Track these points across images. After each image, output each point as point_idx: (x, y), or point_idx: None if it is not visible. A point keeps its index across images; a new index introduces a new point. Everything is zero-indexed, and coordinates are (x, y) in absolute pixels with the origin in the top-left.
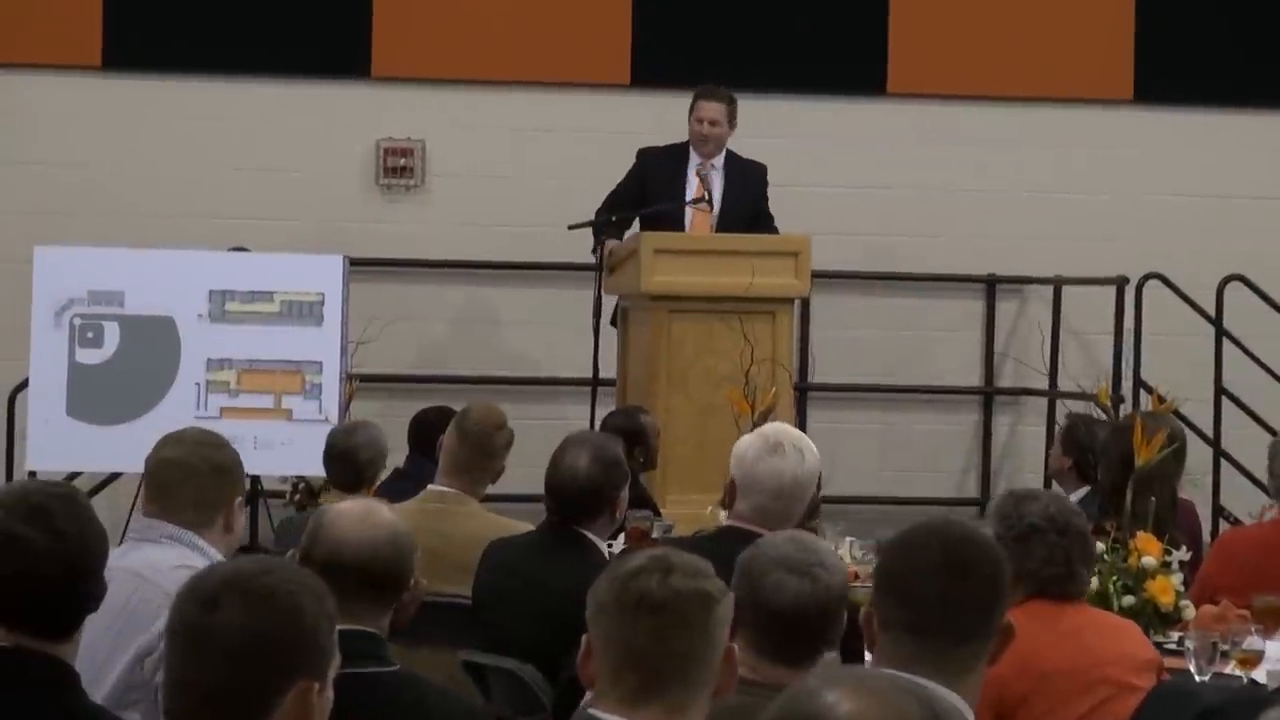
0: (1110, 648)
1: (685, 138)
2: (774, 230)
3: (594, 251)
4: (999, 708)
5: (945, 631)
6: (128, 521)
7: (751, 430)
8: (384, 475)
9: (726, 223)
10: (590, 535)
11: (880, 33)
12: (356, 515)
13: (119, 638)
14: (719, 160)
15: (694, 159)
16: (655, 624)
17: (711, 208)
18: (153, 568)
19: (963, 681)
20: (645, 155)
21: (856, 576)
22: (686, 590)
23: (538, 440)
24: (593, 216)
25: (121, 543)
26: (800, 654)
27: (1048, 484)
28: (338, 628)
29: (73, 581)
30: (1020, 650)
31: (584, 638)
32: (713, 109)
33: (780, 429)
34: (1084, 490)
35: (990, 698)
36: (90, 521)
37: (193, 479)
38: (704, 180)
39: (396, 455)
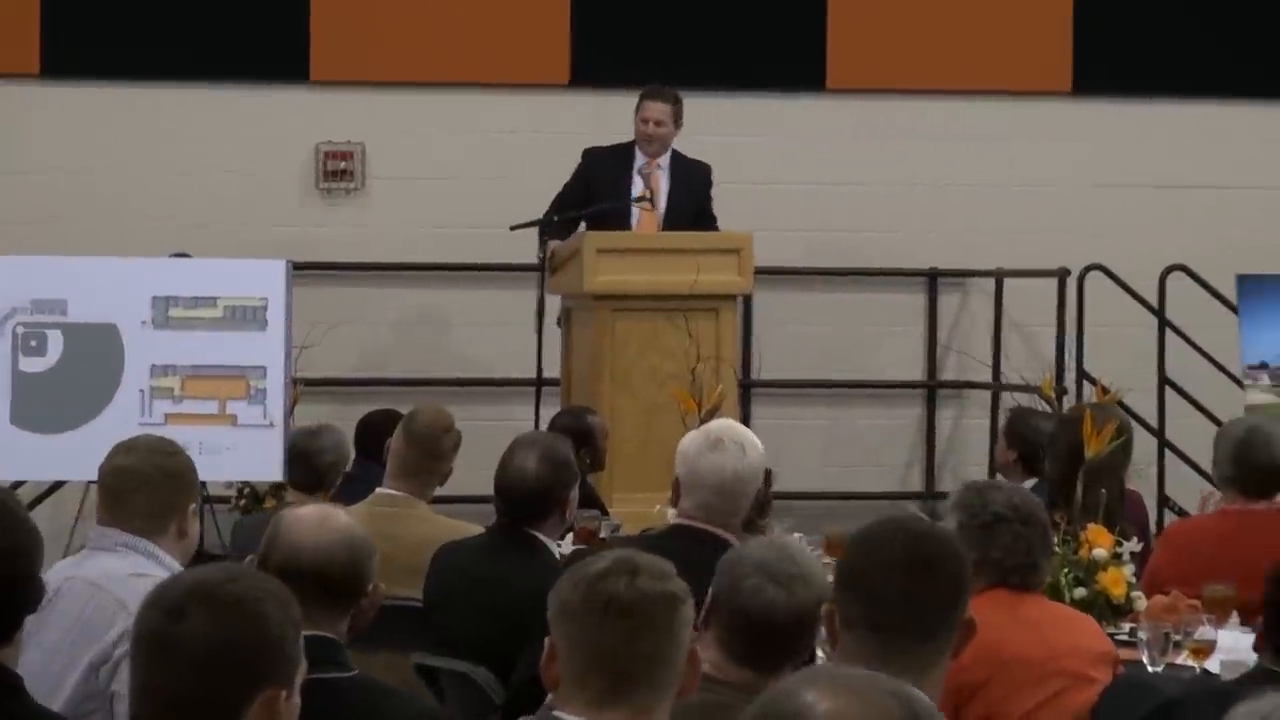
0: (1067, 640)
1: (630, 137)
2: (715, 229)
3: (540, 254)
4: (957, 695)
5: (908, 629)
6: (73, 529)
7: (698, 428)
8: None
9: (672, 222)
10: (540, 536)
11: (819, 29)
12: (314, 520)
13: (74, 648)
14: (664, 160)
15: (639, 158)
16: (624, 626)
17: (654, 206)
18: (107, 576)
19: (926, 677)
20: (590, 155)
21: None
22: (654, 592)
23: (484, 441)
24: (537, 217)
25: (68, 551)
26: (768, 661)
27: (993, 477)
28: None
29: (1, 587)
30: (981, 638)
31: (547, 640)
32: (658, 109)
33: (723, 425)
34: (1031, 482)
35: (949, 685)
36: (20, 528)
37: (144, 486)
38: (648, 180)
39: None
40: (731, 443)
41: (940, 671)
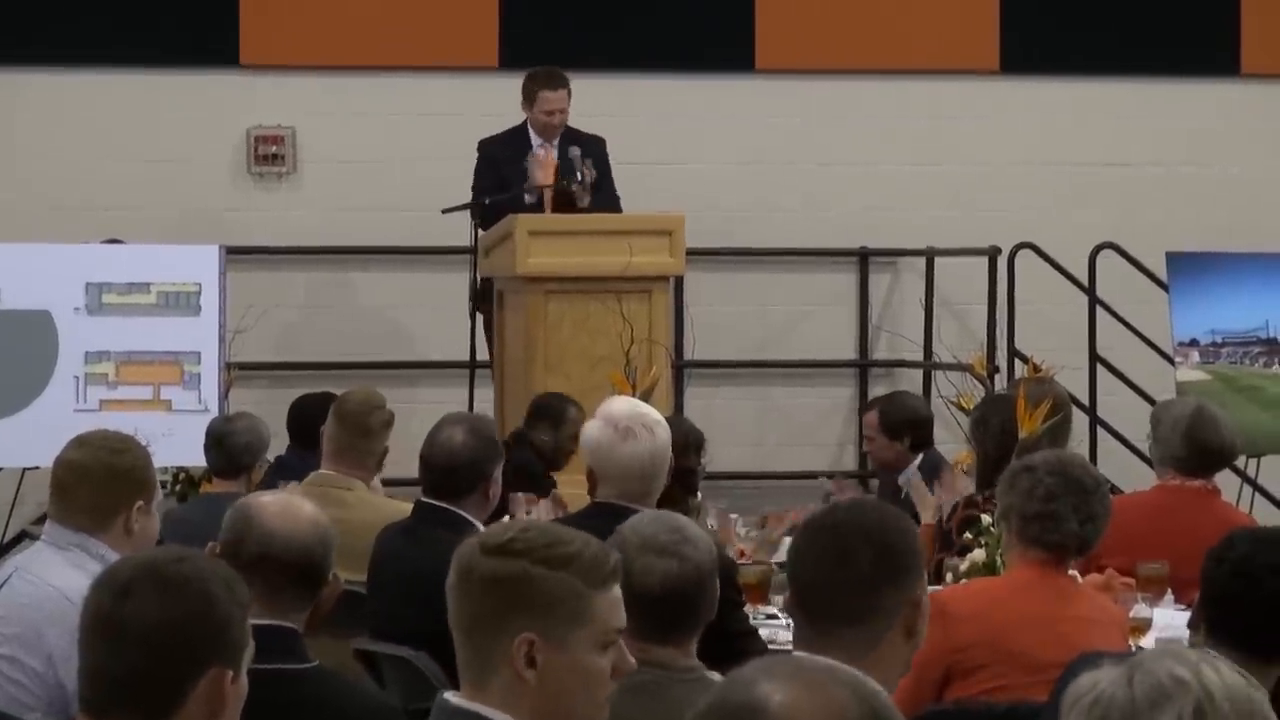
0: (1084, 646)
1: (519, 119)
2: (615, 199)
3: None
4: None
5: (831, 615)
6: (9, 516)
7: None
8: (266, 466)
9: (566, 199)
10: (464, 514)
11: (747, 9)
12: (277, 509)
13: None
14: (554, 140)
15: (535, 141)
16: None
17: (576, 186)
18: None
19: (866, 660)
20: (488, 146)
21: (743, 554)
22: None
23: (418, 424)
24: (468, 200)
25: (4, 536)
26: (681, 631)
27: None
28: (256, 623)
29: None
30: (988, 621)
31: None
32: (558, 99)
33: (627, 411)
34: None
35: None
36: None
37: (87, 482)
38: (560, 163)
39: (280, 443)
40: (641, 429)
41: (887, 652)
